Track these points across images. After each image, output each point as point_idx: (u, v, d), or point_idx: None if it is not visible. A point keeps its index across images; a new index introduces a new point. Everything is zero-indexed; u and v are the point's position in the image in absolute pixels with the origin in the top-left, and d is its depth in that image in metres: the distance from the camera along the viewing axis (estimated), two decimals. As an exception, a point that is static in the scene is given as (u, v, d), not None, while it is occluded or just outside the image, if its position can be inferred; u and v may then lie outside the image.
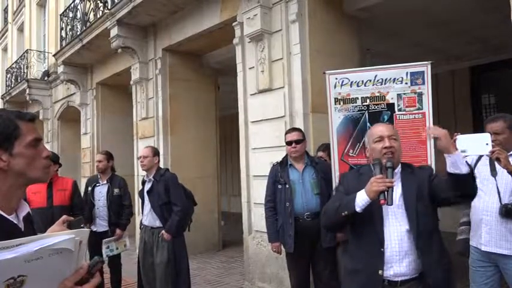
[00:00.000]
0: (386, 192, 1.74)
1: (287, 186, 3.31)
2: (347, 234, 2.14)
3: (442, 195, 1.85)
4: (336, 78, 3.19)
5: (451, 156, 1.77)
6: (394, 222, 1.87)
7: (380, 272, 1.81)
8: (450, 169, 1.76)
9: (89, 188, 4.57)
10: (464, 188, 1.79)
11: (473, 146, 2.46)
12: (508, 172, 2.36)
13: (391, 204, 1.76)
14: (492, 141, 2.44)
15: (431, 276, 1.82)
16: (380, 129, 2.02)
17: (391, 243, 1.84)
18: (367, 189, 1.78)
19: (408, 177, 1.97)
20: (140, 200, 4.21)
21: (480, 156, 2.64)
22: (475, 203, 2.62)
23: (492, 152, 2.36)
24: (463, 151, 2.51)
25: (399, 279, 1.83)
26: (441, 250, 1.91)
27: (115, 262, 4.44)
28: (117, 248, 4.36)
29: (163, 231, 3.77)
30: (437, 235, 1.93)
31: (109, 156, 4.58)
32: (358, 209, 1.80)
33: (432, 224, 1.93)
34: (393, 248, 1.83)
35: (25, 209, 1.16)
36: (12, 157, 1.08)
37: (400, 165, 1.99)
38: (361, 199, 1.80)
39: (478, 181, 2.63)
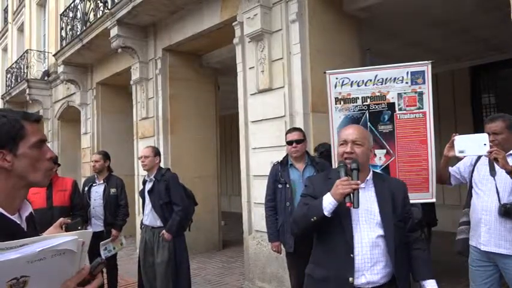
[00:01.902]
0: (352, 195, 1.70)
1: (287, 185, 3.32)
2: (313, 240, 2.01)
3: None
4: (337, 78, 3.19)
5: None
6: (366, 228, 1.81)
7: (350, 279, 1.75)
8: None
9: (86, 188, 4.57)
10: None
11: (471, 146, 2.47)
12: (506, 172, 2.36)
13: (357, 207, 1.71)
14: (491, 141, 2.45)
15: (401, 281, 1.82)
16: (347, 132, 1.94)
17: (361, 250, 1.78)
18: (333, 192, 1.74)
19: (381, 184, 1.93)
20: (141, 200, 4.21)
21: (479, 156, 2.65)
22: (475, 202, 2.62)
23: (490, 152, 2.36)
24: (461, 151, 2.51)
25: (370, 286, 1.78)
26: (407, 257, 1.92)
27: (111, 261, 4.44)
28: (114, 248, 4.37)
29: (163, 231, 3.79)
30: (403, 244, 1.91)
31: (106, 156, 4.57)
32: (326, 213, 1.73)
33: (402, 234, 1.91)
34: (364, 255, 1.77)
35: (28, 209, 1.16)
36: (17, 158, 1.08)
37: (371, 172, 1.96)
38: (328, 202, 1.74)
39: (478, 181, 2.65)
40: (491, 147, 2.40)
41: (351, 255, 1.77)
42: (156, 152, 3.99)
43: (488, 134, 2.50)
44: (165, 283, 3.78)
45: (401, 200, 1.94)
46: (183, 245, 3.92)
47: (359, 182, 1.76)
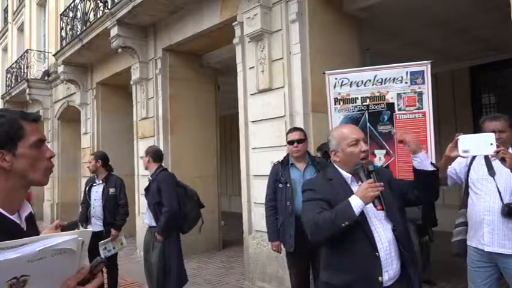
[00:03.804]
0: (379, 197, 1.73)
1: (288, 185, 3.32)
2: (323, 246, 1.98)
3: (407, 196, 1.96)
4: (336, 79, 3.20)
5: (417, 156, 1.92)
6: (379, 224, 1.83)
7: (380, 278, 1.74)
8: (417, 166, 1.91)
9: (86, 188, 4.61)
10: (428, 186, 1.93)
11: (476, 146, 2.40)
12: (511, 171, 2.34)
13: (386, 208, 1.75)
14: (496, 139, 2.40)
15: (411, 272, 1.84)
16: (352, 131, 1.96)
17: (383, 247, 1.78)
18: (362, 195, 1.72)
19: (378, 178, 1.93)
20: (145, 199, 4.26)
21: (474, 156, 2.60)
22: (475, 203, 2.59)
23: (497, 152, 2.30)
24: (466, 151, 2.45)
25: (390, 282, 1.79)
26: (413, 246, 1.97)
27: (111, 261, 4.45)
28: (114, 248, 4.37)
29: (156, 232, 3.83)
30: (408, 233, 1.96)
31: (98, 157, 4.56)
32: (357, 216, 1.73)
33: (406, 222, 1.95)
34: (386, 251, 1.78)
35: (27, 209, 1.16)
36: (16, 158, 1.08)
37: None
38: (356, 206, 1.71)
39: (475, 181, 2.61)
40: (497, 146, 2.33)
41: (376, 254, 1.76)
42: (147, 152, 4.03)
43: (494, 133, 2.46)
44: (156, 282, 3.83)
45: (395, 184, 1.98)
46: (172, 247, 3.88)
47: (382, 183, 1.77)
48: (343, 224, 1.71)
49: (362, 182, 1.82)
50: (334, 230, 1.75)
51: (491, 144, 2.30)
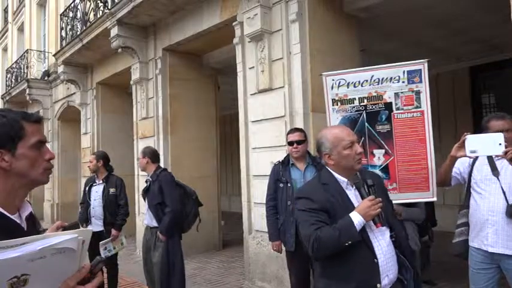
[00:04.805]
0: (379, 215, 1.74)
1: (289, 185, 3.32)
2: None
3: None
4: (333, 80, 3.19)
5: None
6: (378, 231, 1.81)
7: (378, 285, 1.73)
8: None
9: (86, 188, 4.61)
10: None
11: (484, 146, 2.34)
12: None
13: (385, 224, 1.76)
14: (505, 138, 2.31)
15: (408, 274, 1.85)
16: (346, 133, 1.91)
17: (382, 252, 1.77)
18: (364, 213, 1.72)
19: (376, 192, 1.92)
20: (143, 200, 4.25)
21: (477, 156, 2.54)
22: (478, 203, 2.55)
23: (506, 153, 2.26)
24: (473, 151, 2.40)
25: (389, 286, 1.79)
26: (411, 251, 1.99)
27: (111, 261, 4.45)
28: (114, 248, 4.38)
29: (158, 232, 3.83)
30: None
31: (99, 157, 4.57)
32: (359, 235, 1.74)
33: (404, 228, 1.97)
34: (385, 256, 1.78)
35: (28, 209, 1.17)
36: (15, 158, 1.09)
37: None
38: (358, 223, 1.71)
39: (478, 181, 2.57)
40: (506, 146, 2.28)
41: (375, 260, 1.75)
42: (144, 153, 4.03)
43: (501, 131, 2.40)
44: (159, 283, 3.83)
45: (385, 189, 2.00)
46: (176, 246, 3.90)
47: (381, 199, 1.77)
48: (346, 244, 1.71)
49: (362, 197, 1.81)
50: (338, 248, 1.74)
51: (500, 144, 2.26)
